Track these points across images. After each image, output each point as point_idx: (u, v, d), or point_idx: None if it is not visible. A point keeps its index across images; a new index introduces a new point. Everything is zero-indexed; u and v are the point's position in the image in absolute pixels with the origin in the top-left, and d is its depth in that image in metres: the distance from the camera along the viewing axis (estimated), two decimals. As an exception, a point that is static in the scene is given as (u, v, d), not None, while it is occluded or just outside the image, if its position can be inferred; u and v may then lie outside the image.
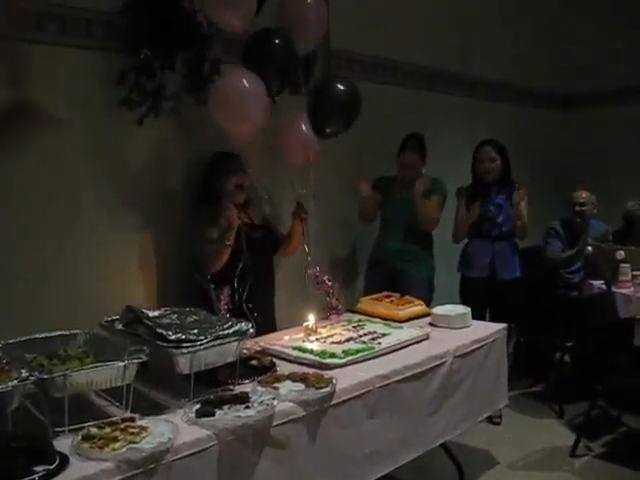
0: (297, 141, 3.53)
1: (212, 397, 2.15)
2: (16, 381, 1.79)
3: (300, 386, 2.29)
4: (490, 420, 3.97)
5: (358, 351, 2.69)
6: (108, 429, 1.88)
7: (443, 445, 3.20)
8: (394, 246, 4.19)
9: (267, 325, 3.16)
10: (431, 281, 4.27)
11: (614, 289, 4.10)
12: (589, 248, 4.49)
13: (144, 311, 2.35)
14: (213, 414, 2.03)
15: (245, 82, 3.13)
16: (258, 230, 3.49)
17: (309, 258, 3.44)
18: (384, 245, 4.26)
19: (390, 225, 4.27)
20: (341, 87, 3.51)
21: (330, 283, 3.36)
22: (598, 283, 4.30)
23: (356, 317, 3.34)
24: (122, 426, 1.90)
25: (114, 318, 2.43)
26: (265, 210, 3.75)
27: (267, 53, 3.25)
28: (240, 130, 3.26)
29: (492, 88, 5.68)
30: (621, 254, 4.26)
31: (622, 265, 4.23)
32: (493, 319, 3.88)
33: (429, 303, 3.77)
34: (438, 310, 3.30)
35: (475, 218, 4.23)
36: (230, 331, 2.23)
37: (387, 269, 4.17)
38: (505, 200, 4.23)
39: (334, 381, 2.33)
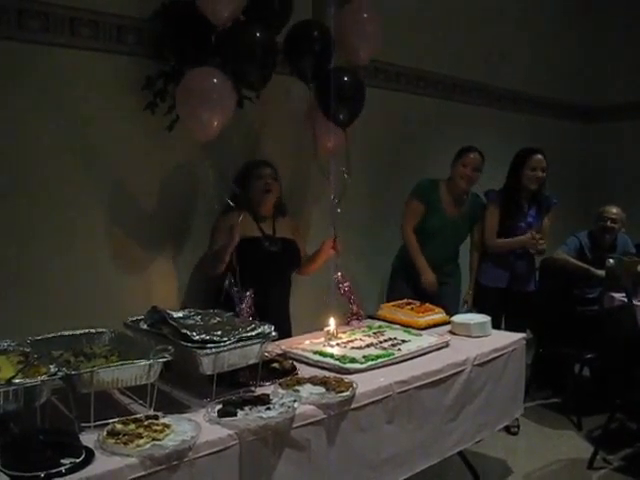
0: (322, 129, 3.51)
1: (234, 398, 2.18)
2: (45, 376, 1.84)
3: (321, 389, 2.31)
4: (507, 430, 3.97)
5: (378, 357, 2.71)
6: (132, 426, 1.91)
7: (460, 453, 3.22)
8: (433, 261, 4.11)
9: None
10: (460, 287, 4.31)
11: (635, 302, 4.08)
12: (611, 261, 4.47)
13: (169, 312, 2.39)
14: (235, 414, 2.05)
15: (208, 76, 2.99)
16: (276, 243, 3.46)
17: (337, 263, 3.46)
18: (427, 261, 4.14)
19: (435, 241, 4.14)
20: (345, 77, 3.42)
21: (351, 289, 3.39)
22: (619, 296, 4.28)
23: (376, 323, 3.35)
24: (146, 423, 1.93)
25: (139, 318, 2.47)
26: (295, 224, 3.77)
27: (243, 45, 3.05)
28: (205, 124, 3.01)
29: (515, 99, 5.69)
30: (644, 267, 4.25)
31: (644, 278, 4.21)
32: (508, 329, 3.88)
33: (457, 311, 3.79)
34: (458, 318, 3.31)
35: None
36: (253, 333, 2.26)
37: (419, 281, 4.12)
38: (535, 217, 4.22)
39: (354, 385, 2.35)
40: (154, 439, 1.84)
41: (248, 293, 2.78)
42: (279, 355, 2.69)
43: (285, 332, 3.37)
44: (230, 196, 3.24)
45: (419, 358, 2.83)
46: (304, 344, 2.92)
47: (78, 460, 1.70)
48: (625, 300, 4.11)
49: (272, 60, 3.13)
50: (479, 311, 3.75)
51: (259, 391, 2.30)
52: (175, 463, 1.82)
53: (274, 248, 3.44)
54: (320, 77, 3.40)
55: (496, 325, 3.61)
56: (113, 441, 1.82)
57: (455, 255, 4.28)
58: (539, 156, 4.24)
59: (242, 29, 3.04)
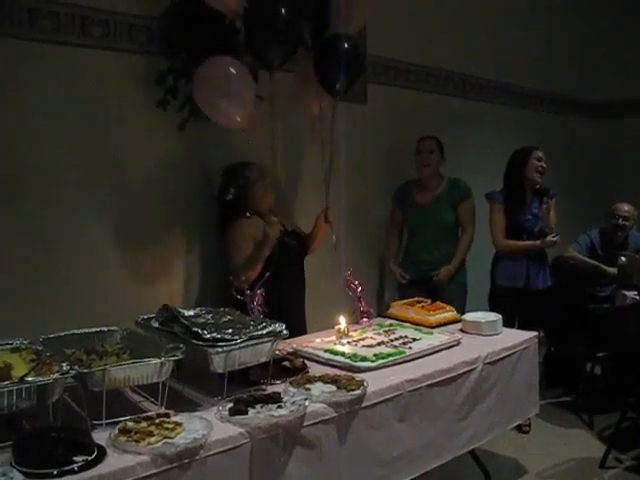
0: (309, 91, 3.40)
1: (245, 396, 2.18)
2: (57, 374, 1.85)
3: (332, 388, 2.31)
4: (519, 429, 3.95)
5: (389, 355, 2.71)
6: (144, 424, 1.92)
7: (471, 452, 3.20)
8: (429, 258, 4.16)
9: (297, 330, 3.15)
10: (465, 286, 4.28)
11: (648, 300, 4.06)
12: (622, 259, 4.44)
13: (180, 310, 2.40)
14: (246, 412, 2.06)
15: (226, 65, 3.00)
16: (292, 237, 3.49)
17: (343, 265, 3.43)
18: (418, 258, 4.20)
19: (419, 235, 4.23)
20: (345, 44, 3.28)
21: (360, 287, 3.37)
22: (631, 294, 4.25)
23: (387, 321, 3.35)
24: (157, 421, 1.94)
25: (150, 316, 2.49)
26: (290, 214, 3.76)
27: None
28: (229, 115, 3.05)
29: (526, 96, 5.67)
30: (656, 265, 4.23)
31: (657, 276, 4.18)
32: (522, 328, 3.85)
33: (464, 308, 3.77)
34: (469, 317, 3.30)
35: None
36: (264, 332, 2.26)
37: (425, 281, 4.13)
38: (539, 208, 4.20)
39: (365, 384, 2.35)
40: (165, 437, 1.85)
41: (259, 292, 2.78)
42: (290, 353, 2.69)
43: (302, 327, 3.39)
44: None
45: (430, 356, 2.82)
46: (315, 342, 2.92)
47: (90, 457, 1.71)
48: (637, 298, 4.09)
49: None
50: (494, 310, 3.72)
51: (270, 389, 2.30)
52: (186, 461, 1.82)
53: (294, 242, 3.48)
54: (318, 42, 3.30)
55: (511, 324, 3.58)
56: (125, 439, 1.83)
57: (446, 246, 4.19)
58: (538, 153, 4.24)
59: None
